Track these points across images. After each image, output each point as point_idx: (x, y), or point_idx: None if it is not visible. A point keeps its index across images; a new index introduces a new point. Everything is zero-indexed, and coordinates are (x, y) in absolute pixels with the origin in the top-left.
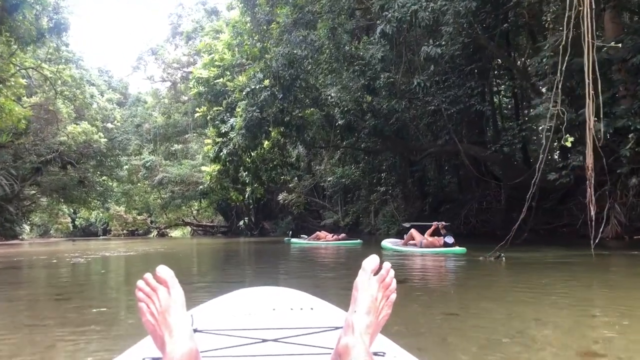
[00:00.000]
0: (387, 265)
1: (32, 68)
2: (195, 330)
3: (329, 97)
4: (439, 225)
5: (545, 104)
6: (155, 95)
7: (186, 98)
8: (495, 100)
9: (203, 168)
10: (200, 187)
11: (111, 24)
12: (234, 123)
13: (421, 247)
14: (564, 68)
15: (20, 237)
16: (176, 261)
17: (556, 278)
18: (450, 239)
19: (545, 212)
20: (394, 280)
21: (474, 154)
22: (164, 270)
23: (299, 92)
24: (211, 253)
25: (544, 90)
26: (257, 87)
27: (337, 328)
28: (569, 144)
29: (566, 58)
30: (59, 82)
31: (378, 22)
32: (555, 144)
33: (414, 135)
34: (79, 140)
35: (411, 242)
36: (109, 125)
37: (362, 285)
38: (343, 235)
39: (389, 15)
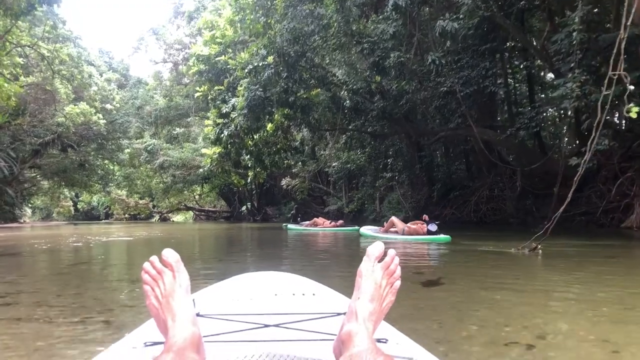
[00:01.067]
0: (391, 252)
1: (29, 46)
2: (197, 315)
3: (336, 76)
4: (423, 218)
5: (570, 83)
6: (156, 77)
7: (188, 80)
8: (509, 81)
9: (203, 150)
10: (200, 170)
11: (112, 4)
12: (236, 103)
13: (403, 234)
14: (588, 45)
15: (22, 220)
16: (175, 247)
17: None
18: (433, 227)
19: (561, 200)
20: (399, 268)
21: (487, 138)
22: (170, 254)
23: (304, 71)
24: (208, 238)
25: (563, 70)
26: (260, 64)
27: (339, 314)
28: (634, 115)
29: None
30: (57, 61)
31: None
32: (583, 127)
33: (423, 119)
34: (77, 121)
35: (392, 229)
36: (108, 106)
37: (366, 272)
38: (341, 221)
39: None
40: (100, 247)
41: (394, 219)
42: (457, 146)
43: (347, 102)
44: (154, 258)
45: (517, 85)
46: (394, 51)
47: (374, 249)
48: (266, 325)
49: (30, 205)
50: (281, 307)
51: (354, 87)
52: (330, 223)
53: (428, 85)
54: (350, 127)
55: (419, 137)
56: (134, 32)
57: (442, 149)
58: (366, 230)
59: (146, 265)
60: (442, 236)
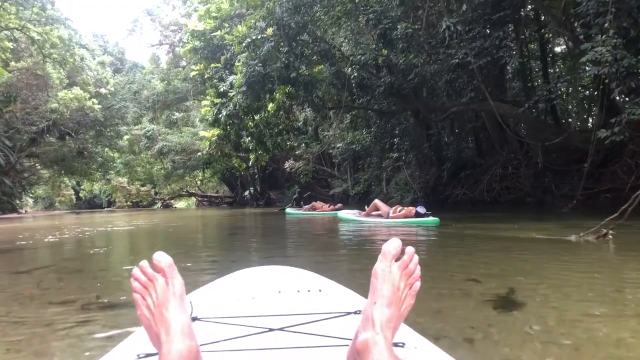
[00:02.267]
0: (409, 250)
1: (17, 29)
2: (194, 319)
3: (340, 51)
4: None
5: (599, 47)
6: (153, 60)
7: (185, 63)
8: (524, 51)
9: (201, 133)
10: (199, 153)
11: None
12: (234, 81)
13: (388, 217)
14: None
15: (25, 210)
16: (173, 237)
17: None
18: (422, 209)
19: (581, 177)
20: (418, 267)
21: (502, 112)
22: (162, 257)
23: (306, 45)
24: (207, 226)
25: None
26: (259, 37)
27: (348, 313)
28: None
29: None
30: (47, 44)
31: None
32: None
33: (431, 95)
34: (71, 107)
35: (375, 212)
36: (103, 90)
37: (382, 273)
38: (339, 205)
39: None
40: (89, 242)
41: (377, 201)
42: (467, 123)
43: (356, 74)
44: (144, 263)
45: (528, 59)
46: (401, 22)
47: (390, 247)
48: (271, 330)
49: (31, 195)
50: (286, 307)
51: (361, 59)
52: (328, 207)
53: (438, 58)
54: (355, 104)
55: (429, 114)
56: (128, 14)
57: (450, 126)
58: (345, 213)
59: (135, 271)
60: (430, 219)
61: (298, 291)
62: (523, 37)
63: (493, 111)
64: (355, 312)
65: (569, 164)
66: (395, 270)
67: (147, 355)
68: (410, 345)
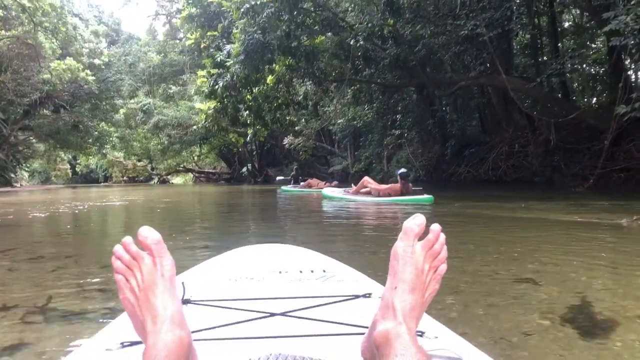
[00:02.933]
0: (435, 227)
1: None
2: (186, 302)
3: (344, 20)
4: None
5: (623, 16)
6: (149, 31)
7: (183, 35)
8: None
9: (197, 105)
10: (194, 127)
11: None
12: (231, 50)
13: (379, 196)
14: None
15: (20, 184)
16: (161, 213)
17: None
18: (402, 171)
19: (594, 155)
20: (445, 247)
21: (514, 87)
22: (148, 233)
23: (308, 14)
24: (200, 202)
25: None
26: (258, 2)
27: (357, 297)
28: None
29: None
30: (39, 13)
31: None
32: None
33: (439, 68)
34: (64, 78)
35: (364, 190)
36: (96, 61)
37: (403, 254)
38: (335, 182)
39: None
40: (74, 218)
41: (366, 178)
42: (471, 100)
43: (361, 43)
44: (128, 239)
45: (539, 33)
46: None
47: (413, 224)
48: (272, 314)
49: (27, 169)
50: (288, 289)
51: (366, 28)
52: (324, 184)
53: (446, 29)
54: (359, 77)
55: (436, 88)
56: None
57: (453, 102)
58: (330, 191)
59: (118, 248)
60: (425, 196)
61: (300, 271)
62: (535, 9)
63: (502, 86)
64: (364, 296)
65: (580, 142)
66: (419, 250)
67: (133, 343)
68: (430, 334)
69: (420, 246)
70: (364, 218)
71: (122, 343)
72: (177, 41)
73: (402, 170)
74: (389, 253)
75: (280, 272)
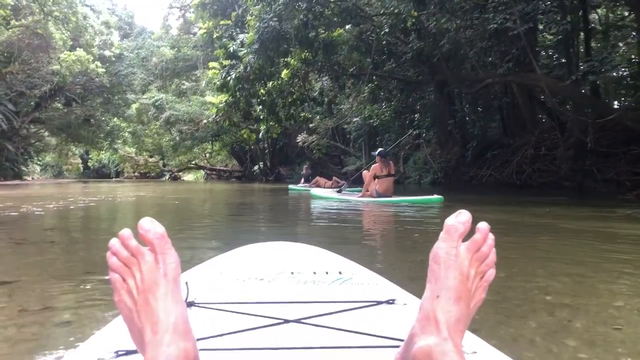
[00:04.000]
0: (483, 226)
1: None
2: (190, 304)
3: (365, 11)
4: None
5: None
6: (163, 26)
7: (197, 29)
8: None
9: (208, 99)
10: (205, 121)
11: None
12: (245, 39)
13: (378, 197)
14: None
15: (31, 178)
16: (169, 209)
17: None
18: (381, 150)
19: (632, 160)
20: (494, 250)
21: (547, 86)
22: (151, 225)
23: (326, 5)
24: (210, 200)
25: None
26: None
27: (379, 303)
28: None
29: None
30: (49, 2)
31: None
32: None
33: (463, 65)
34: (74, 69)
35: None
36: (107, 53)
37: (446, 257)
38: (343, 182)
39: None
40: (74, 213)
41: (364, 173)
42: (495, 99)
43: (386, 30)
44: (126, 232)
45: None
46: None
47: (457, 222)
48: (286, 321)
49: (39, 162)
50: (301, 292)
51: (388, 21)
52: (332, 183)
53: (473, 22)
54: (378, 72)
55: (460, 85)
56: None
57: (473, 102)
58: (317, 191)
59: (114, 243)
60: (435, 196)
61: (314, 272)
62: (567, 2)
63: (533, 84)
64: (387, 302)
65: (615, 145)
66: (464, 253)
67: (129, 352)
68: (468, 349)
69: (465, 248)
70: (361, 219)
71: (116, 352)
72: (191, 36)
73: (380, 149)
74: (408, 257)
75: (292, 273)
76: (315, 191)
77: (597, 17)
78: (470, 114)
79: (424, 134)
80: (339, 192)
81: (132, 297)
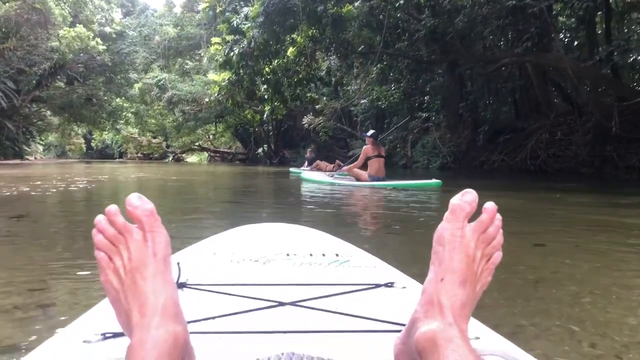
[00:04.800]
0: (490, 206)
1: None
2: (181, 285)
3: None
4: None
5: None
6: (166, 3)
7: (201, 7)
8: None
9: (210, 76)
10: (207, 100)
11: None
12: (249, 12)
13: (371, 180)
14: None
15: (34, 157)
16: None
17: None
18: (370, 132)
19: None
20: (501, 231)
21: (569, 67)
22: (139, 202)
23: None
24: (212, 182)
25: None
26: None
27: (378, 286)
28: None
29: None
30: None
31: None
32: None
33: (478, 44)
34: (74, 46)
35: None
36: (107, 29)
37: (451, 238)
38: (345, 167)
39: None
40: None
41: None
42: (508, 81)
43: (400, 2)
44: (113, 208)
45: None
46: None
47: (462, 202)
48: (281, 304)
49: (41, 142)
50: (297, 274)
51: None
52: (333, 166)
53: None
54: (389, 50)
55: (475, 64)
56: None
57: (486, 85)
58: (309, 175)
59: (100, 220)
60: (431, 181)
61: (311, 254)
62: None
63: (552, 65)
64: (386, 285)
65: (637, 130)
66: (470, 234)
67: (116, 335)
68: (471, 334)
69: (470, 229)
70: (355, 202)
71: (103, 334)
72: (195, 14)
73: (372, 131)
74: (406, 240)
75: (287, 255)
76: (306, 174)
77: None
78: (482, 96)
79: (433, 117)
80: (331, 176)
81: (119, 277)
